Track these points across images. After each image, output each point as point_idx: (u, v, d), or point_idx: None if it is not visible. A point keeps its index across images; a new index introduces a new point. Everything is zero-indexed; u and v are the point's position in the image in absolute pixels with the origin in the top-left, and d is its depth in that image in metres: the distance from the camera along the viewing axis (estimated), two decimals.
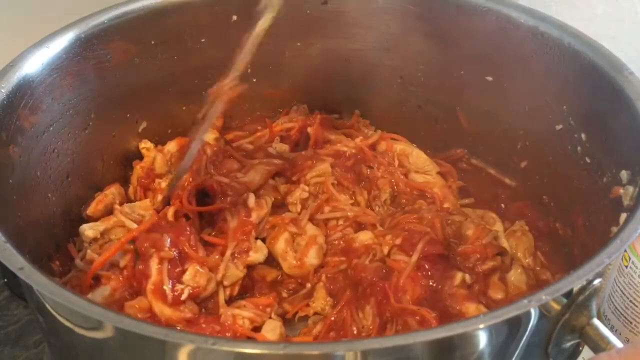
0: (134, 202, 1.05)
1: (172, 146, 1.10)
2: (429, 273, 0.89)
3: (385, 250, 0.95)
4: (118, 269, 0.91)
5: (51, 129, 0.93)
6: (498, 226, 1.02)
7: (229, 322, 0.88)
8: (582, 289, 0.64)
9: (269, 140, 1.16)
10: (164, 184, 1.03)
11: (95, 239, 0.96)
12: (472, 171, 1.14)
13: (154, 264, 0.88)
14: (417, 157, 1.12)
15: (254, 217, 0.98)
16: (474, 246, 0.95)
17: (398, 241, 0.94)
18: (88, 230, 0.96)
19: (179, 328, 0.85)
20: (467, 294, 0.88)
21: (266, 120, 1.18)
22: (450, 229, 0.98)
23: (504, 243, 0.97)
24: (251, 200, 0.99)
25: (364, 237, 0.98)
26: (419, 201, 1.06)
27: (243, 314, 0.90)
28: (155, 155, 1.07)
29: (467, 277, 0.90)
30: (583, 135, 0.92)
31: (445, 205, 1.06)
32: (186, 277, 0.88)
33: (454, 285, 0.89)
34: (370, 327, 0.88)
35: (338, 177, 1.05)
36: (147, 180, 1.05)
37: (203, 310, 0.91)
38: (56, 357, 0.88)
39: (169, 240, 0.90)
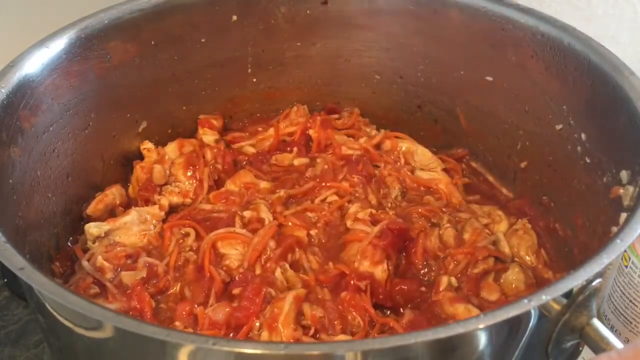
0: (134, 201, 1.05)
1: (172, 150, 1.09)
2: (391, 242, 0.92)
3: (349, 223, 0.97)
4: (123, 285, 0.89)
5: (51, 129, 0.93)
6: (503, 225, 1.02)
7: None
8: (582, 289, 0.64)
9: (274, 145, 1.15)
10: (163, 200, 1.02)
11: (99, 237, 0.95)
12: (472, 174, 1.14)
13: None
14: (423, 154, 1.12)
15: None
16: (456, 250, 0.95)
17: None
18: (93, 228, 0.95)
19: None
20: (455, 295, 0.88)
21: (274, 124, 1.17)
22: (453, 231, 0.98)
23: (505, 247, 0.97)
24: None
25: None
26: (427, 197, 1.06)
27: None
28: (154, 165, 1.06)
29: (454, 280, 0.91)
30: (583, 135, 0.92)
31: (453, 201, 1.06)
32: None
33: (441, 290, 0.89)
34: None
35: (350, 182, 1.05)
36: (146, 193, 1.04)
37: None
38: (56, 357, 0.88)
39: None
